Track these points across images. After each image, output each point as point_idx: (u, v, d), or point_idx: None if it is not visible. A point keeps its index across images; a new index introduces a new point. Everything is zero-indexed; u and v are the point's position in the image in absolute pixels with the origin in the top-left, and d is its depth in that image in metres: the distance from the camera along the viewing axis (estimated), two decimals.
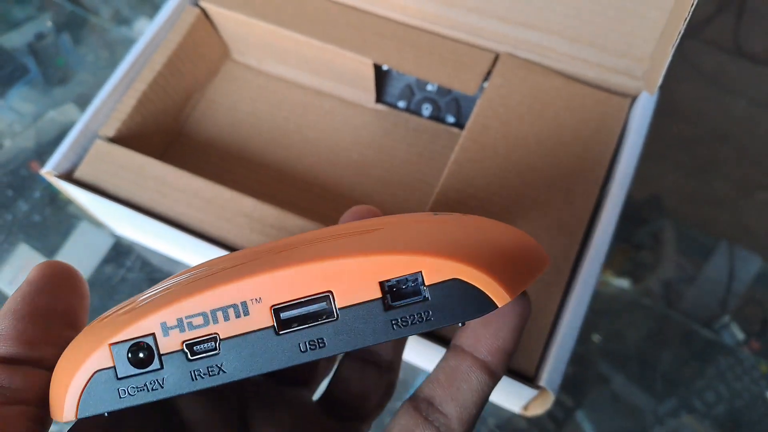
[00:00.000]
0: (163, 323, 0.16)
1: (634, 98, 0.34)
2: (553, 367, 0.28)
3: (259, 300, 0.15)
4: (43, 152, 0.49)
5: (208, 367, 0.16)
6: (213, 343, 0.16)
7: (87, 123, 0.34)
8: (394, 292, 0.15)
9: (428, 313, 0.15)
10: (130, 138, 0.35)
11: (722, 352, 0.40)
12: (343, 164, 0.38)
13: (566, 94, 0.34)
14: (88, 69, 0.53)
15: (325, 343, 0.15)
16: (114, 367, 0.16)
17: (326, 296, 0.15)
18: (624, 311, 0.42)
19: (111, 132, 0.34)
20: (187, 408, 0.20)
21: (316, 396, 0.25)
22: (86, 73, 0.53)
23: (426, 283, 0.15)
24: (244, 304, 0.15)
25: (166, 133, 0.38)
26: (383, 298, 0.15)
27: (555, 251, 0.30)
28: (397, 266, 0.15)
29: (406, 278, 0.15)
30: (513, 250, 0.17)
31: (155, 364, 0.16)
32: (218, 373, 0.15)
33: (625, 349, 0.40)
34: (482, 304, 0.15)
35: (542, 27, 0.34)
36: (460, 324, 0.16)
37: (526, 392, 0.29)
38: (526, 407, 0.34)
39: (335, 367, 0.25)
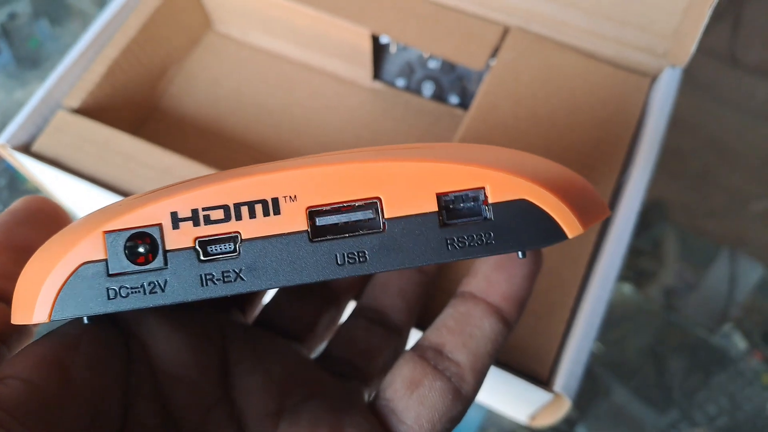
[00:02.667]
0: (174, 213, 0.13)
1: (654, 78, 0.31)
2: (570, 371, 0.25)
3: (293, 198, 0.13)
4: None
5: (223, 272, 0.13)
6: (232, 243, 0.13)
7: (49, 91, 0.31)
8: (451, 209, 0.13)
9: (489, 235, 0.13)
10: (98, 110, 0.32)
11: (725, 362, 0.39)
12: (336, 147, 0.34)
13: (582, 72, 0.31)
14: (64, 52, 0.50)
15: (366, 258, 0.13)
16: (106, 260, 0.13)
17: (373, 203, 0.13)
18: (625, 319, 0.40)
19: (76, 102, 0.31)
20: (158, 343, 0.17)
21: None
22: (61, 56, 0.50)
23: (489, 201, 0.13)
24: (275, 201, 0.13)
25: (140, 106, 0.34)
26: (439, 213, 0.13)
27: (571, 242, 0.27)
28: (458, 177, 0.13)
29: (468, 194, 0.13)
30: (579, 184, 0.14)
31: (158, 262, 0.13)
32: (234, 281, 0.13)
33: (627, 359, 0.39)
34: (551, 231, 0.13)
35: None
36: (519, 254, 0.14)
37: (538, 397, 0.25)
38: (533, 417, 0.30)
39: (338, 328, 0.22)
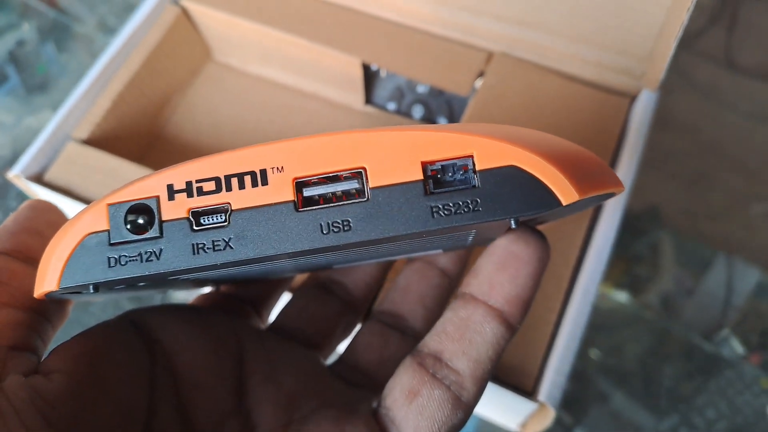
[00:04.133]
0: (170, 185, 0.14)
1: (633, 98, 0.33)
2: (553, 381, 0.26)
3: (280, 169, 0.13)
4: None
5: (213, 241, 0.13)
6: (223, 215, 0.14)
7: (59, 124, 0.33)
8: (437, 177, 0.13)
9: (476, 202, 0.13)
10: (105, 140, 0.33)
11: (723, 366, 0.39)
12: None
13: (563, 94, 0.32)
14: (70, 77, 0.51)
15: (351, 226, 0.13)
16: (108, 230, 0.14)
17: (358, 173, 0.13)
18: (622, 326, 0.41)
19: (84, 134, 0.32)
20: (180, 351, 0.17)
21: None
22: (68, 81, 0.51)
23: (476, 169, 0.13)
24: (263, 172, 0.13)
25: (144, 136, 0.36)
26: (424, 181, 0.13)
27: (553, 257, 0.29)
28: (444, 145, 0.13)
29: (455, 163, 0.13)
30: (576, 151, 0.14)
31: (154, 231, 0.14)
32: (224, 249, 0.13)
33: (625, 364, 0.39)
34: (543, 197, 0.13)
35: (538, 25, 0.32)
36: (512, 223, 0.13)
37: (525, 407, 0.27)
38: (524, 425, 0.32)
39: (355, 332, 0.22)
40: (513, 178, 0.13)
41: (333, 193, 0.14)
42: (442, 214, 0.13)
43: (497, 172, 0.13)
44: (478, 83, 0.33)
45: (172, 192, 0.14)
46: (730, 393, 0.38)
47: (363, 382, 0.20)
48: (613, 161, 0.31)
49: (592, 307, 0.28)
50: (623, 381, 0.39)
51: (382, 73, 0.36)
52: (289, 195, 0.13)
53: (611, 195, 0.16)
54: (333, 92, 0.37)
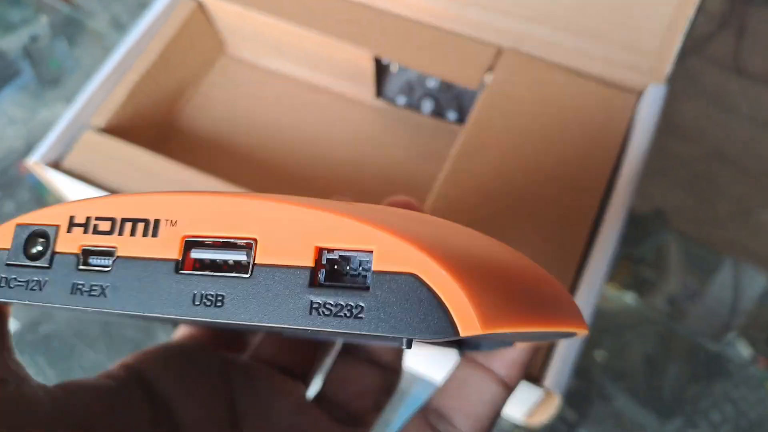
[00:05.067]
0: (72, 217, 0.13)
1: (640, 94, 0.33)
2: (558, 369, 0.27)
3: (174, 223, 0.13)
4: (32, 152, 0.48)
5: (91, 285, 0.13)
6: (109, 258, 0.13)
7: (77, 114, 0.33)
8: (328, 268, 0.12)
9: (360, 308, 0.11)
10: (121, 130, 0.34)
11: (728, 370, 0.39)
12: (340, 161, 0.36)
13: (571, 90, 0.33)
14: (83, 71, 0.52)
15: (223, 303, 0.12)
16: (9, 250, 0.14)
17: (249, 244, 0.12)
18: (628, 328, 0.41)
19: (101, 123, 0.33)
20: (178, 401, 0.18)
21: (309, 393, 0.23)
22: (80, 76, 0.52)
23: (373, 269, 0.11)
24: (156, 222, 0.13)
25: (159, 125, 0.37)
26: (314, 269, 0.12)
27: (559, 249, 0.29)
28: (344, 232, 0.11)
29: (353, 256, 0.11)
30: (514, 269, 0.12)
31: (45, 261, 0.13)
32: (98, 296, 0.13)
33: (630, 366, 0.40)
34: (438, 321, 0.11)
35: (546, 21, 0.33)
36: (403, 343, 0.11)
37: (531, 393, 0.27)
38: (529, 415, 0.32)
39: (330, 367, 0.23)
40: (409, 289, 0.11)
41: (219, 261, 0.12)
42: (321, 313, 0.11)
43: (394, 278, 0.11)
44: (488, 78, 0.34)
45: (72, 224, 0.13)
46: (735, 396, 0.38)
47: (344, 418, 0.21)
48: (619, 157, 0.32)
49: (599, 295, 0.28)
50: (628, 382, 0.39)
51: (393, 68, 0.36)
52: (175, 253, 0.13)
53: (571, 334, 0.15)
54: (344, 85, 0.38)
